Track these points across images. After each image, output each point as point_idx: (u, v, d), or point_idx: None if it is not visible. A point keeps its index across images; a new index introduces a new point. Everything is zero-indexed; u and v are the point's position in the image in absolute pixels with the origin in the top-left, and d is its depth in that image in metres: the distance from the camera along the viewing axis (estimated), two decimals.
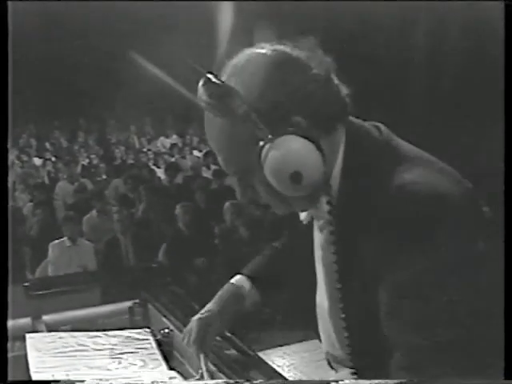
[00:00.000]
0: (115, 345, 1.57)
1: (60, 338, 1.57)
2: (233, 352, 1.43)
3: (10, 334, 1.57)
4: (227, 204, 5.67)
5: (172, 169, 7.54)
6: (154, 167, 8.28)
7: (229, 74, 0.98)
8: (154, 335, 1.63)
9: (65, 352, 1.51)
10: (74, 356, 1.50)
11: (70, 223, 5.11)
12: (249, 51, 0.99)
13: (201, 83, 0.97)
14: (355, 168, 0.98)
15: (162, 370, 1.46)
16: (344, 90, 0.99)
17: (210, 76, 0.96)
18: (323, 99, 0.96)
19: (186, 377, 1.44)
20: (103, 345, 1.57)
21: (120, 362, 1.49)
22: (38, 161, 8.53)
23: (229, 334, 1.51)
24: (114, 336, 1.61)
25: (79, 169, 7.93)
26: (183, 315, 1.69)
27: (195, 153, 9.45)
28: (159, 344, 1.59)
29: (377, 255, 0.91)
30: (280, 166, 0.93)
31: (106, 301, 1.84)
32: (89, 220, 5.79)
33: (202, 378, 1.41)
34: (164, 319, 1.69)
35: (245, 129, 0.95)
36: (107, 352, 1.53)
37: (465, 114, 5.32)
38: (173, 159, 8.94)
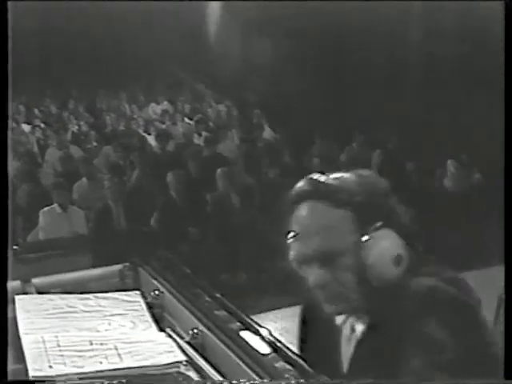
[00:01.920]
0: (105, 307, 1.56)
1: (50, 299, 1.56)
2: (223, 313, 1.43)
3: None
4: (219, 171, 5.65)
5: (163, 136, 7.48)
6: (144, 134, 8.21)
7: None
8: (144, 297, 1.63)
9: (54, 314, 1.50)
10: (64, 318, 1.49)
11: (59, 190, 5.08)
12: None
13: (308, 179, 1.21)
14: None
15: (152, 332, 1.46)
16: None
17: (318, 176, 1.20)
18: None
19: (176, 338, 1.44)
20: (93, 307, 1.56)
21: (110, 324, 1.48)
22: (26, 127, 8.42)
23: (218, 295, 1.51)
24: (104, 298, 1.61)
25: (69, 136, 7.85)
26: (174, 278, 1.69)
27: (187, 120, 9.36)
28: (149, 306, 1.59)
29: None
30: (386, 250, 1.14)
31: (97, 264, 1.83)
32: (79, 187, 5.76)
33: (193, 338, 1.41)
34: (154, 281, 1.68)
35: (346, 215, 1.15)
36: (97, 314, 1.52)
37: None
38: (164, 126, 8.87)
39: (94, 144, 7.52)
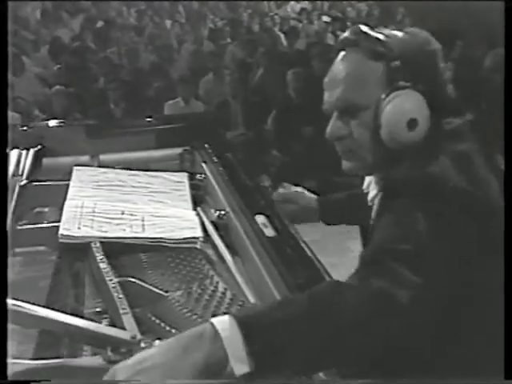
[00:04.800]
0: (152, 184, 1.64)
1: (103, 173, 1.67)
2: (256, 198, 1.43)
3: (68, 168, 1.71)
4: None
5: (292, 33, 7.30)
6: (278, 32, 8.07)
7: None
8: (190, 179, 1.68)
9: (103, 185, 1.61)
10: (111, 190, 1.59)
11: (185, 84, 5.28)
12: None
13: (354, 28, 1.12)
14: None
15: (184, 210, 1.51)
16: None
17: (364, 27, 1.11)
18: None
19: (203, 217, 1.48)
20: (141, 183, 1.65)
21: (151, 199, 1.56)
22: (168, 23, 8.69)
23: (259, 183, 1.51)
24: (154, 176, 1.69)
25: (206, 32, 7.98)
26: (220, 163, 1.71)
27: (324, 18, 9.01)
28: (193, 187, 1.64)
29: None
30: (400, 111, 1.04)
31: (160, 146, 1.90)
32: (206, 82, 5.91)
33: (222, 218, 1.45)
34: (203, 165, 1.72)
35: (379, 70, 1.07)
36: (142, 190, 1.61)
37: None
38: (300, 25, 8.64)
39: (228, 40, 7.58)
